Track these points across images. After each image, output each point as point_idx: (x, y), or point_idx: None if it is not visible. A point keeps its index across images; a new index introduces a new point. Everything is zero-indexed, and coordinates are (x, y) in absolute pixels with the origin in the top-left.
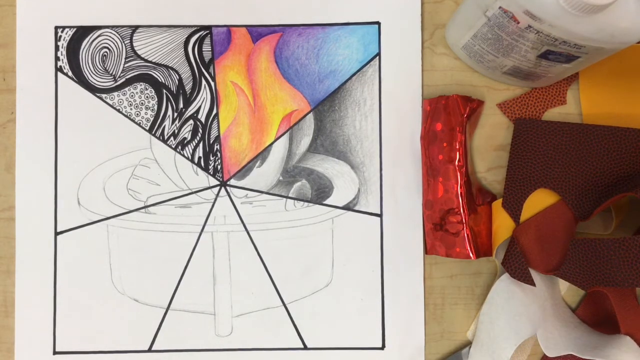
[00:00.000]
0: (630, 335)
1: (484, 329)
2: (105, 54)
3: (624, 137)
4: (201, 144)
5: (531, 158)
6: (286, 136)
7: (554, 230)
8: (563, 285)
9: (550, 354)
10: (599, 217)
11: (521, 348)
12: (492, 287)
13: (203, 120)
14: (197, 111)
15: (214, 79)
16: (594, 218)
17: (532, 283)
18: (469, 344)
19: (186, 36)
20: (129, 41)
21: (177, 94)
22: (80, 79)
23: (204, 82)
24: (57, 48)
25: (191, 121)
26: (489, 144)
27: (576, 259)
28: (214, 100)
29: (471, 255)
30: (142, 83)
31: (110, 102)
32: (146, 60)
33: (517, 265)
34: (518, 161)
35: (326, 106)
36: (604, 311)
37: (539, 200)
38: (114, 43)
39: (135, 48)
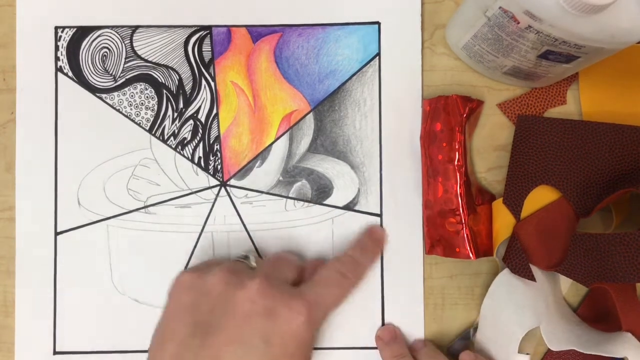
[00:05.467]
0: (631, 332)
1: (487, 324)
2: (105, 54)
3: (626, 134)
4: (201, 144)
5: (533, 155)
6: (286, 136)
7: (555, 227)
8: (564, 285)
9: (553, 348)
10: (599, 217)
11: (527, 340)
12: (494, 281)
13: (203, 120)
14: (197, 111)
15: (214, 79)
16: (595, 218)
17: (533, 279)
18: None
19: (186, 36)
20: (129, 41)
21: (177, 94)
22: (80, 79)
23: (204, 82)
24: (57, 48)
25: (191, 121)
26: (489, 144)
27: (577, 254)
28: (214, 100)
29: (471, 255)
30: (142, 83)
31: (110, 102)
32: (146, 61)
33: (518, 261)
34: (520, 158)
35: (326, 106)
36: (605, 311)
37: (540, 197)
38: (114, 43)
39: (135, 48)
